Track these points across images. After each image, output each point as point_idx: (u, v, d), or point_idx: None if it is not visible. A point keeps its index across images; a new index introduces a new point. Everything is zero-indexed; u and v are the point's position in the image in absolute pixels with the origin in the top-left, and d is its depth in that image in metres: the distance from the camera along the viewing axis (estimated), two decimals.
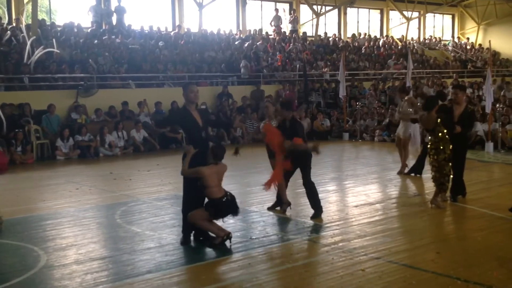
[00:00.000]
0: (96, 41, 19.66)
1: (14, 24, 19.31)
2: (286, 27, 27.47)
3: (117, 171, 12.97)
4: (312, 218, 8.09)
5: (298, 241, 7.10)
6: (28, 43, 17.17)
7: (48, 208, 9.26)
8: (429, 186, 10.58)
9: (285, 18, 27.73)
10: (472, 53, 33.08)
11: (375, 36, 30.83)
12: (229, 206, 6.78)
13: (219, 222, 6.88)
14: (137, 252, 6.67)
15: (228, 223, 7.70)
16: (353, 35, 30.00)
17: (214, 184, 6.71)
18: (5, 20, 19.96)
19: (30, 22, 19.41)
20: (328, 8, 28.24)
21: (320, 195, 8.45)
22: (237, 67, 21.46)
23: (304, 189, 8.31)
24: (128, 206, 9.19)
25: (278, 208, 8.63)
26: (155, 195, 10.05)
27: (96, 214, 8.83)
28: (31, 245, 7.01)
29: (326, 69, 23.73)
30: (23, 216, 8.64)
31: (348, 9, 30.62)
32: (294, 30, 27.14)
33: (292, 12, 27.98)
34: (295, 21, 27.58)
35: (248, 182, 11.33)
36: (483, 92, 18.86)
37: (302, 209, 8.70)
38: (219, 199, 6.71)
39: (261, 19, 27.88)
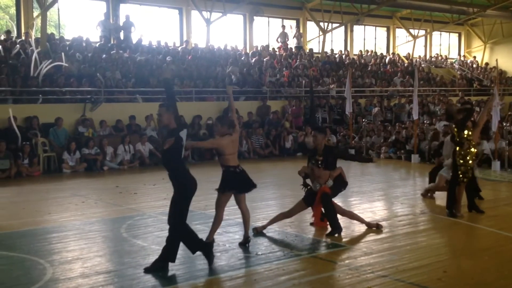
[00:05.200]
0: (104, 56, 19.79)
1: (23, 38, 19.47)
2: (292, 43, 27.62)
3: (123, 184, 12.98)
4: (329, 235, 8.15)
5: (304, 258, 7.08)
6: (35, 52, 17.27)
7: (54, 221, 9.27)
8: (436, 205, 10.57)
9: (292, 34, 27.88)
10: (478, 71, 33.10)
11: (381, 54, 30.93)
12: (239, 177, 7.22)
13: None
14: (142, 267, 6.63)
15: (233, 238, 7.70)
16: (360, 52, 30.12)
17: (230, 152, 7.16)
18: (14, 34, 20.14)
19: (39, 36, 19.58)
20: (334, 25, 28.36)
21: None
22: (244, 82, 21.54)
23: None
24: (133, 220, 9.19)
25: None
26: (160, 209, 10.02)
27: (102, 227, 8.83)
28: (37, 258, 7.01)
29: (332, 86, 23.78)
30: (29, 229, 8.65)
31: (355, 27, 30.75)
32: (299, 47, 27.28)
33: (296, 28, 28.13)
34: (299, 37, 27.73)
35: (253, 197, 11.24)
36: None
37: (308, 225, 8.68)
38: (233, 166, 7.16)
39: (268, 35, 28.04)
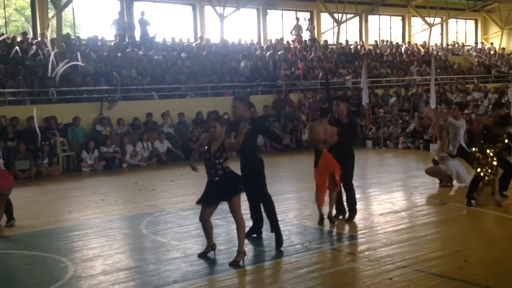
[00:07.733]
0: (119, 54, 19.90)
1: (39, 39, 19.64)
2: (307, 36, 27.50)
3: (142, 181, 13.06)
4: (348, 220, 8.35)
5: (324, 250, 7.07)
6: (52, 54, 17.44)
7: (74, 219, 9.36)
8: (455, 194, 10.48)
9: (305, 27, 27.76)
10: (496, 58, 32.67)
11: (397, 43, 30.67)
12: None
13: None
14: (163, 262, 6.70)
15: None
16: (375, 42, 29.90)
17: None
18: (30, 35, 20.33)
19: (55, 37, 19.74)
20: (349, 16, 28.17)
21: (344, 204, 8.52)
22: (259, 76, 21.51)
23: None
24: (153, 217, 9.25)
25: (340, 216, 8.61)
26: (179, 205, 10.10)
27: (122, 224, 8.90)
28: (59, 256, 7.09)
29: (348, 77, 23.64)
30: (50, 228, 8.74)
31: (370, 16, 30.51)
32: (313, 39, 27.16)
33: (308, 20, 28.00)
34: (312, 29, 27.60)
35: (271, 191, 11.28)
36: (509, 97, 18.60)
37: (326, 218, 8.65)
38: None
39: (282, 28, 27.96)
